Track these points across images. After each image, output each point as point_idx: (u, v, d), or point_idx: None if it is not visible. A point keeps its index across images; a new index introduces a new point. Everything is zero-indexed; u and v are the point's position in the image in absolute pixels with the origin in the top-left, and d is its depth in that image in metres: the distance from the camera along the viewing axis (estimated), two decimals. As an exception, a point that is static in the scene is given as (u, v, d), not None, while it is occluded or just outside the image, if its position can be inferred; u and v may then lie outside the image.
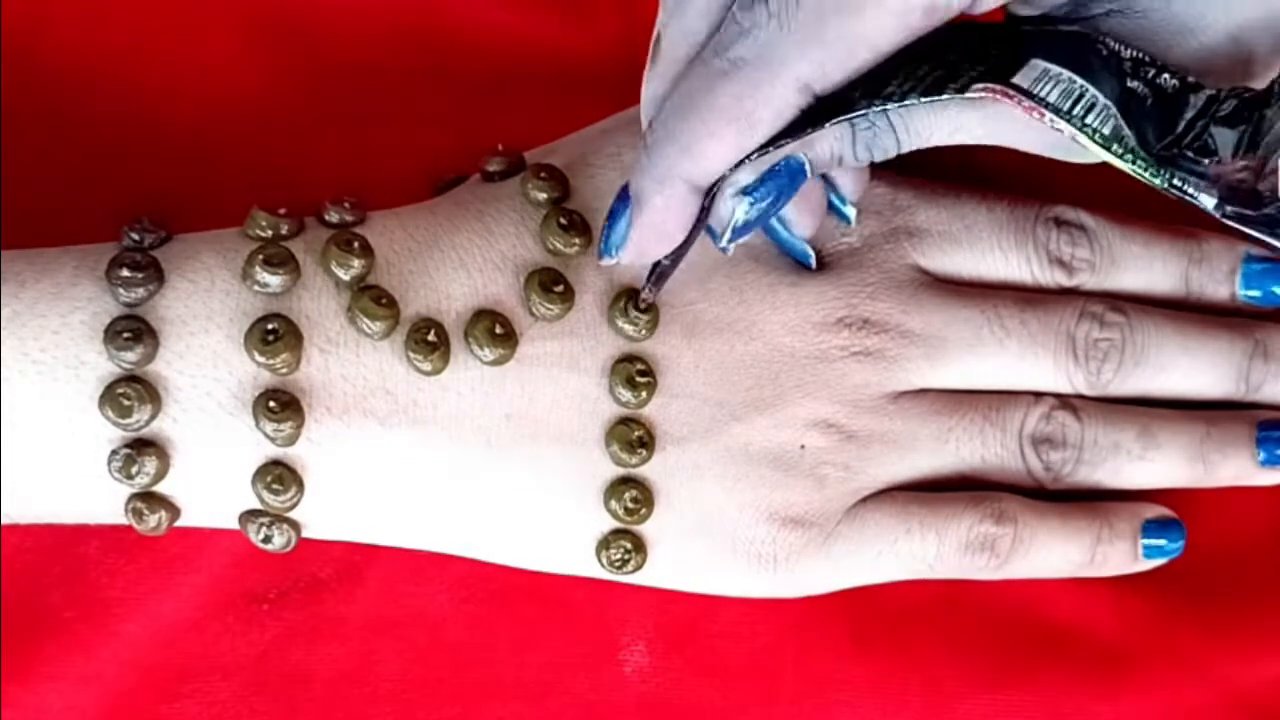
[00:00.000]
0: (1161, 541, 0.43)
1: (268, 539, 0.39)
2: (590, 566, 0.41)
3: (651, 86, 0.36)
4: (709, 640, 0.43)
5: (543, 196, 0.40)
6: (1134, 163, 0.34)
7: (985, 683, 0.43)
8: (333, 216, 0.40)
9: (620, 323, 0.39)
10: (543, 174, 0.40)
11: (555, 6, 0.48)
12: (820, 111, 0.34)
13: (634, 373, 0.39)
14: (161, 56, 0.47)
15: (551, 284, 0.39)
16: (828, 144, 0.36)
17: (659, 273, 0.39)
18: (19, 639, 0.42)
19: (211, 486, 0.38)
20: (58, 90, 0.46)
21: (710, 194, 0.36)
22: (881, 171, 0.43)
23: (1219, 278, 0.43)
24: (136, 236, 0.39)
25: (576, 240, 0.39)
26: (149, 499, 0.38)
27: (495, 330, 0.39)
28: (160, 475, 0.38)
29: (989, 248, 0.43)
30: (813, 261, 0.41)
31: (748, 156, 0.35)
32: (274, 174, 0.45)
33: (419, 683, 0.42)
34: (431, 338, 0.38)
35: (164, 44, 0.47)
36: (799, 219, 0.40)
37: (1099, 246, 0.43)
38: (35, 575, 0.42)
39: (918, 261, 0.42)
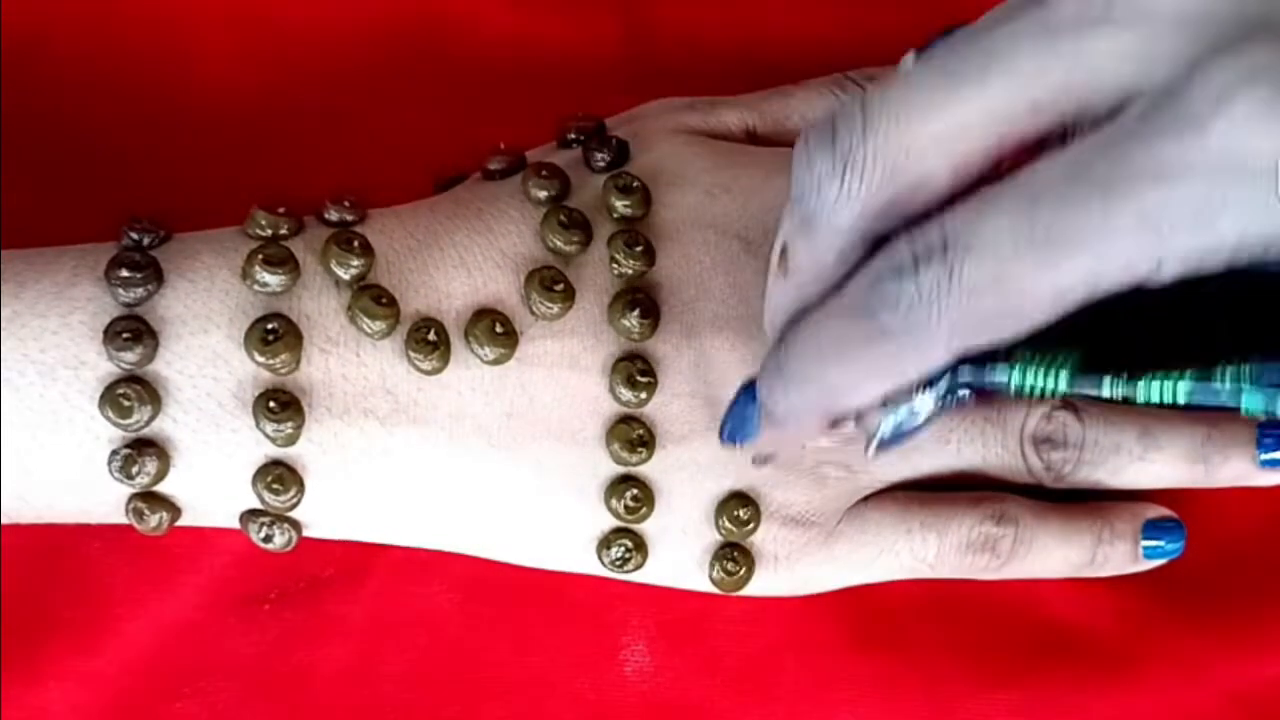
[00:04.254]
0: (1162, 542, 0.43)
1: (268, 538, 0.39)
2: (591, 565, 0.41)
3: (778, 297, 0.35)
4: (709, 640, 0.43)
5: (543, 195, 0.40)
6: None
7: (985, 682, 0.43)
8: (332, 215, 0.40)
9: (621, 321, 0.39)
10: (543, 172, 0.40)
11: (555, 6, 0.48)
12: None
13: (635, 372, 0.39)
14: (161, 56, 0.47)
15: (552, 283, 0.39)
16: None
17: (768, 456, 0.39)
18: (20, 639, 0.42)
19: (212, 486, 0.38)
20: (57, 90, 0.46)
21: None
22: None
23: None
24: (136, 236, 0.39)
25: (577, 238, 0.39)
26: (149, 499, 0.38)
27: (496, 329, 0.39)
28: (161, 475, 0.38)
29: None
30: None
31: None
32: (274, 173, 0.45)
33: (420, 683, 0.42)
34: (432, 337, 0.38)
35: (164, 44, 0.47)
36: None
37: None
38: (36, 575, 0.42)
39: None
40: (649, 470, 0.40)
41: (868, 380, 0.33)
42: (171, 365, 0.38)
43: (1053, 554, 0.42)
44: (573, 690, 0.43)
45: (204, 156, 0.46)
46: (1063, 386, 0.35)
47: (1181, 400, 0.34)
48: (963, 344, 0.32)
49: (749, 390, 0.37)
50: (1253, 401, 0.33)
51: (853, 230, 0.32)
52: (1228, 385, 0.34)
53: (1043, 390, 0.35)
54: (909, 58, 0.33)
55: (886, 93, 0.31)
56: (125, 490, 0.38)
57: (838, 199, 0.32)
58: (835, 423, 0.35)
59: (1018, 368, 0.35)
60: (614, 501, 0.40)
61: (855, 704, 0.43)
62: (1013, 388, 0.35)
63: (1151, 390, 0.34)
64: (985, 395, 0.36)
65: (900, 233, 0.32)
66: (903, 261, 0.31)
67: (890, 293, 0.31)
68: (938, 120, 0.31)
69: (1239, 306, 0.36)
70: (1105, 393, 0.34)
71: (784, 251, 0.34)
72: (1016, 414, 0.42)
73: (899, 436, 0.35)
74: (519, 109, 0.47)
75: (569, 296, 0.39)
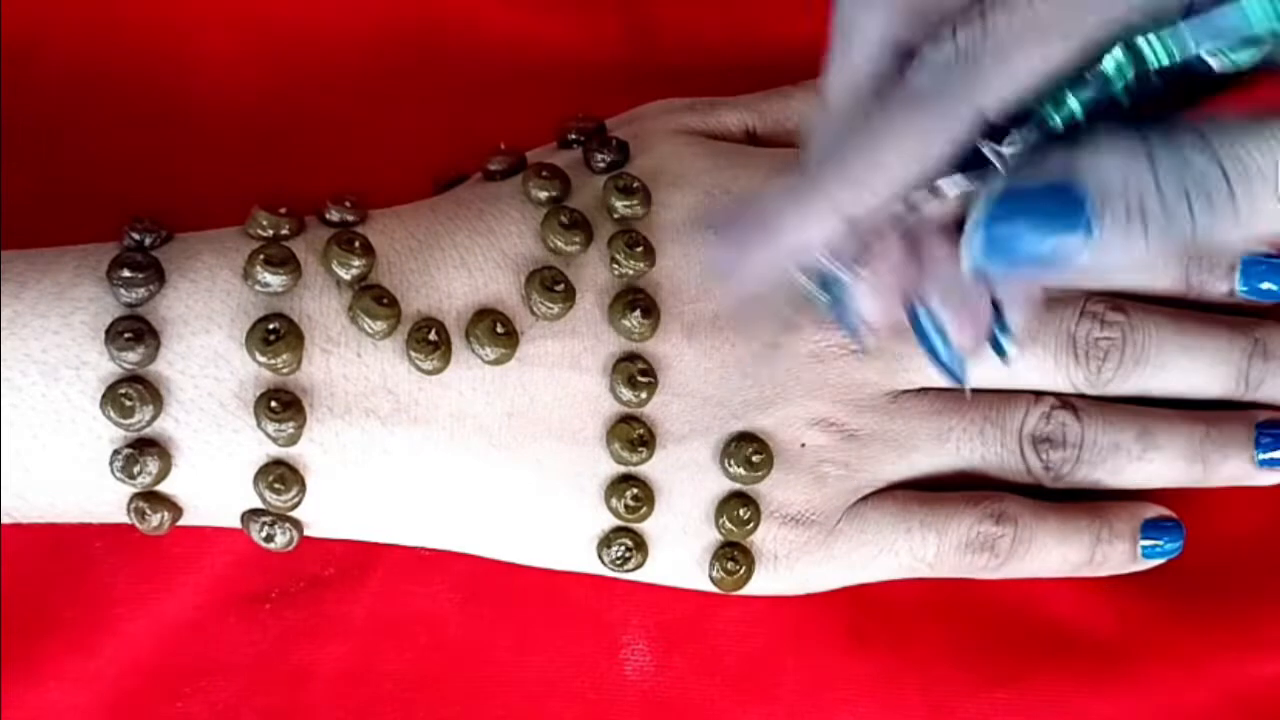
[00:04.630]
0: (1160, 541, 0.43)
1: (270, 538, 0.39)
2: (591, 564, 0.41)
3: (821, 134, 0.33)
4: (709, 640, 0.43)
5: (544, 195, 0.40)
6: None
7: (984, 682, 0.43)
8: (334, 215, 0.40)
9: (621, 321, 0.39)
10: (544, 172, 0.41)
11: (555, 6, 0.48)
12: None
13: (635, 371, 0.39)
14: (162, 56, 0.47)
15: (553, 283, 0.39)
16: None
17: None
18: (21, 638, 0.42)
19: (213, 486, 0.39)
20: (58, 91, 0.46)
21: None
22: None
23: (1219, 273, 0.43)
24: (137, 236, 0.39)
25: (577, 239, 0.40)
26: (151, 499, 0.38)
27: (496, 329, 0.39)
28: (162, 475, 0.38)
29: None
30: (966, 381, 0.36)
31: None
32: (275, 173, 0.46)
33: (420, 682, 0.42)
34: (433, 337, 0.38)
35: (165, 44, 0.47)
36: (960, 328, 0.35)
37: None
38: (37, 574, 0.42)
39: (919, 258, 0.42)
40: (649, 470, 0.40)
41: (921, 146, 0.31)
42: (173, 365, 0.38)
43: (1051, 553, 0.42)
44: (573, 690, 0.43)
45: (205, 157, 0.46)
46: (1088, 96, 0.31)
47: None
48: (991, 101, 0.30)
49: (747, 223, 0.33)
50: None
51: (885, 39, 0.32)
52: None
53: (1070, 116, 0.31)
54: None
55: None
56: (127, 490, 0.38)
57: None
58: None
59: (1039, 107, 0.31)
60: (614, 501, 0.40)
61: (854, 703, 0.43)
62: (1046, 121, 0.31)
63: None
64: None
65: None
66: (942, 34, 0.30)
67: (928, 61, 0.30)
68: None
69: None
70: (1149, 54, 0.30)
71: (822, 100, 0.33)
72: (1015, 413, 0.42)
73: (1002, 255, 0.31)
74: (519, 109, 0.47)
75: (569, 296, 0.39)
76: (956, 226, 0.32)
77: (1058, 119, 0.31)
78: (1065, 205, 0.30)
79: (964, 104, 0.30)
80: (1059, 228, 0.30)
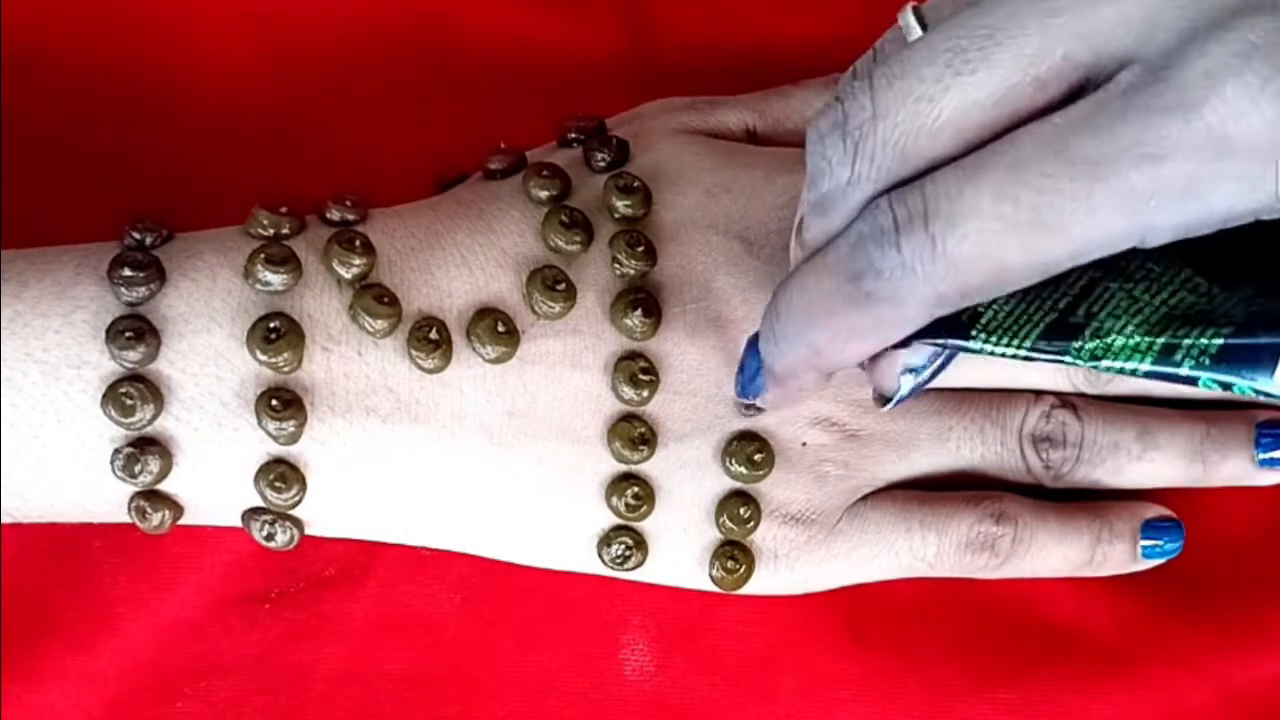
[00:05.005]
0: (1160, 542, 0.43)
1: (270, 537, 0.39)
2: (592, 563, 0.41)
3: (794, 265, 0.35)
4: (709, 639, 0.43)
5: (544, 194, 0.40)
6: None
7: (984, 681, 0.43)
8: (334, 215, 0.40)
9: (623, 320, 0.39)
10: (544, 172, 0.41)
11: (555, 6, 0.48)
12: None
13: (636, 370, 0.39)
14: (163, 56, 0.47)
15: (554, 282, 0.39)
16: None
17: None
18: (21, 638, 0.42)
19: (214, 484, 0.39)
20: (59, 90, 0.47)
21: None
22: None
23: None
24: (138, 235, 0.39)
25: (578, 238, 0.40)
26: (152, 498, 0.38)
27: (497, 328, 0.39)
28: (163, 474, 0.38)
29: None
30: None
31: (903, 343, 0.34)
32: (275, 172, 0.46)
33: (420, 682, 0.42)
34: (433, 335, 0.39)
35: (166, 44, 0.47)
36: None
37: None
38: (38, 575, 0.42)
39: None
40: (650, 468, 0.40)
41: (852, 341, 0.33)
42: (174, 364, 0.38)
43: (1052, 553, 0.42)
44: (573, 690, 0.43)
45: (206, 156, 0.46)
46: (1024, 352, 0.34)
47: (1140, 375, 0.34)
48: (943, 310, 0.32)
49: (755, 347, 0.37)
50: (1208, 385, 0.33)
51: (866, 200, 0.32)
52: (1185, 370, 0.33)
53: (1003, 355, 0.35)
54: (909, 15, 0.33)
55: (891, 75, 0.31)
56: (128, 489, 0.38)
57: (850, 182, 0.32)
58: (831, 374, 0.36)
59: (980, 335, 0.35)
60: (615, 499, 0.40)
61: (854, 703, 0.43)
62: (976, 351, 0.35)
63: (1113, 367, 0.34)
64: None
65: (882, 192, 0.32)
66: (884, 226, 0.31)
67: (873, 258, 0.31)
68: (946, 103, 0.31)
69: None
70: (1068, 359, 0.34)
71: (799, 232, 0.34)
72: (1015, 413, 0.42)
73: (911, 395, 0.36)
74: (519, 109, 0.47)
75: (571, 295, 0.39)
76: None
77: None
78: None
79: (918, 304, 0.32)
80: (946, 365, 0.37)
